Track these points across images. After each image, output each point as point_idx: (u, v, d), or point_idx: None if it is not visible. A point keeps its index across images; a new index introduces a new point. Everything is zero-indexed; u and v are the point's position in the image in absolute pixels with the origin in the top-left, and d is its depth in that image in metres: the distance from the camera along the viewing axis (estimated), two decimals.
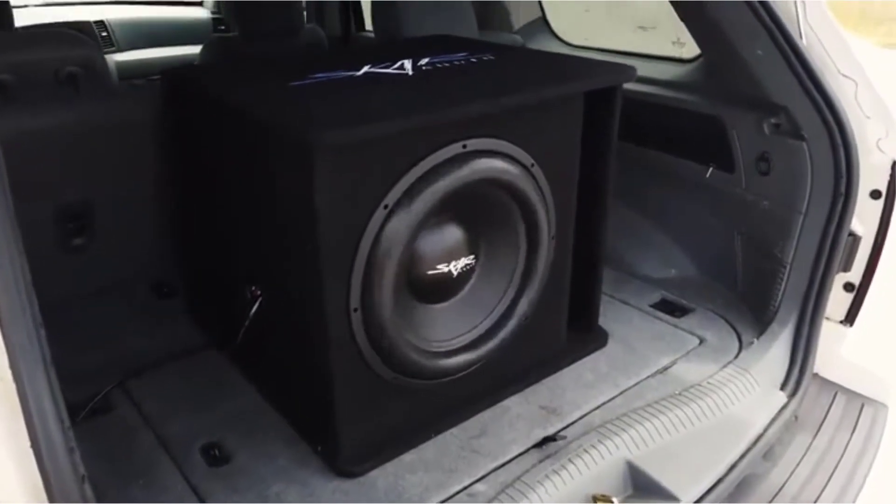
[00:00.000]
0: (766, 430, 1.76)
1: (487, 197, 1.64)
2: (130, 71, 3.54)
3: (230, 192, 1.78)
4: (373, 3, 2.69)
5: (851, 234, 1.90)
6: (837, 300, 1.98)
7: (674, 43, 2.41)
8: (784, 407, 1.84)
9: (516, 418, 1.76)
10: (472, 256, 1.69)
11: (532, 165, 1.68)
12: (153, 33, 4.23)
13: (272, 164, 1.55)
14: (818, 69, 1.82)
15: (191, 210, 2.03)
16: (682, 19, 2.10)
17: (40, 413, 0.88)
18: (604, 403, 1.81)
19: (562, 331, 2.00)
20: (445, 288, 1.69)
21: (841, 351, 2.01)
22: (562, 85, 1.74)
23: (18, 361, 0.87)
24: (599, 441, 1.63)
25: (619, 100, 1.80)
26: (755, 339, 2.02)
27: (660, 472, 1.60)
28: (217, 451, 1.65)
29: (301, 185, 1.41)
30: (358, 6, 3.87)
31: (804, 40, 1.82)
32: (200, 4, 4.70)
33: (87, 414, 1.74)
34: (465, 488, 1.56)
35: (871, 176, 1.86)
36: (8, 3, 2.44)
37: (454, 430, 1.71)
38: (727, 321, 2.15)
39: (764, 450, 1.74)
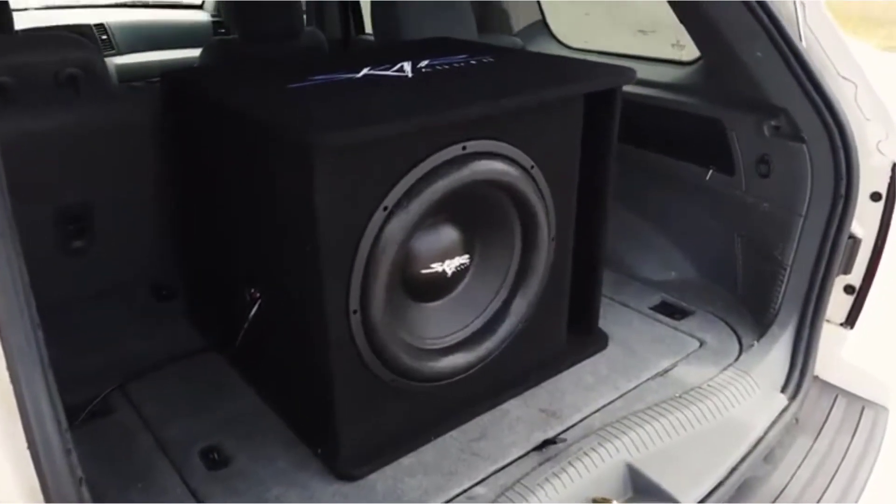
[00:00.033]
0: (766, 432, 1.76)
1: (486, 198, 1.64)
2: (130, 74, 3.53)
3: (230, 195, 1.78)
4: (372, 5, 2.69)
5: (852, 236, 1.90)
6: (838, 302, 1.97)
7: (673, 45, 2.41)
8: (784, 410, 1.84)
9: (516, 421, 1.76)
10: (466, 256, 1.70)
11: (532, 167, 1.68)
12: (153, 36, 4.23)
13: (272, 165, 1.55)
14: (818, 71, 1.82)
15: (190, 212, 2.03)
16: (681, 20, 2.10)
17: (38, 415, 0.88)
18: (604, 406, 1.81)
19: (561, 333, 1.99)
20: (439, 287, 1.69)
21: (841, 353, 2.00)
22: (562, 87, 1.74)
23: (16, 363, 0.87)
24: (600, 444, 1.63)
25: (618, 102, 1.80)
26: (755, 342, 2.02)
27: (660, 474, 1.59)
28: (216, 454, 1.65)
29: (301, 186, 1.41)
30: (358, 9, 3.87)
31: (803, 42, 1.82)
32: (201, 7, 4.70)
33: (87, 416, 1.74)
34: (465, 491, 1.56)
35: (871, 178, 1.86)
36: (8, 5, 2.44)
37: (454, 433, 1.71)
38: (727, 324, 2.14)
39: (764, 453, 1.74)
